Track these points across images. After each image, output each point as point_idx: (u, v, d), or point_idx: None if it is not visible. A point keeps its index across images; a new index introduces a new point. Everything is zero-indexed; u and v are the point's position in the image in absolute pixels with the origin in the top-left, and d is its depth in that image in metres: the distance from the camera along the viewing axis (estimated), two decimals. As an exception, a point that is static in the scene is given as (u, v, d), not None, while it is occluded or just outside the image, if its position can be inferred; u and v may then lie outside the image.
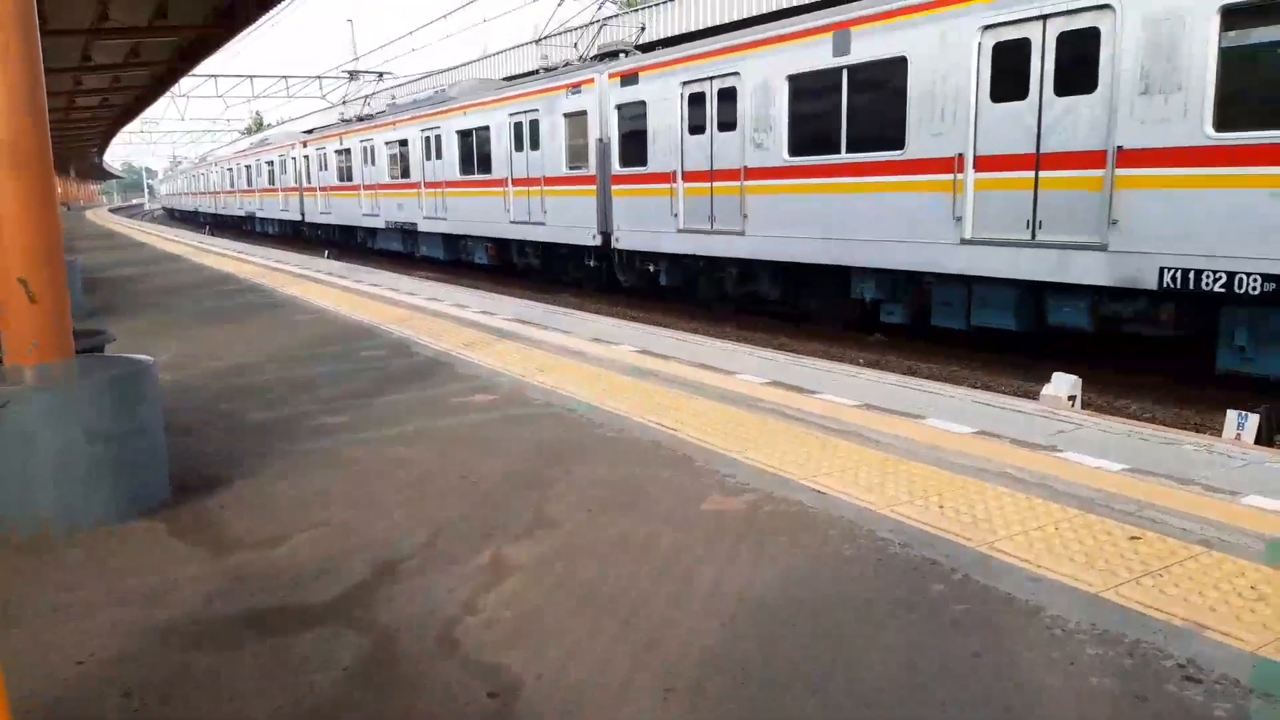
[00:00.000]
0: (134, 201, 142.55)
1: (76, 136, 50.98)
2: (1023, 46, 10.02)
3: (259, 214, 42.42)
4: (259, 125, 69.02)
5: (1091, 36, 9.42)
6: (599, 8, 21.13)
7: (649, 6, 26.50)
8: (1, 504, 4.29)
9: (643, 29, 22.66)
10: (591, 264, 17.89)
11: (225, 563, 4.01)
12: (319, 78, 46.46)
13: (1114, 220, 9.29)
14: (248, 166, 43.49)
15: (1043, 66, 9.83)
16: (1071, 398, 9.37)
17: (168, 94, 35.11)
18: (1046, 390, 9.44)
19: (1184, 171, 8.80)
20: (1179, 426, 9.49)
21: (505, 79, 25.39)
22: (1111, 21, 9.22)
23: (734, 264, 14.54)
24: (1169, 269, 8.99)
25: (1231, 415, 9.37)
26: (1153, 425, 6.35)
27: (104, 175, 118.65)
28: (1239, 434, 9.14)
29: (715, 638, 3.20)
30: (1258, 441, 8.88)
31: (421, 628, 3.34)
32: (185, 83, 36.08)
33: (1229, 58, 8.47)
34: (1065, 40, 9.66)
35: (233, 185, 46.65)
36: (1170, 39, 8.76)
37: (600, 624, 3.34)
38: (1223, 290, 8.70)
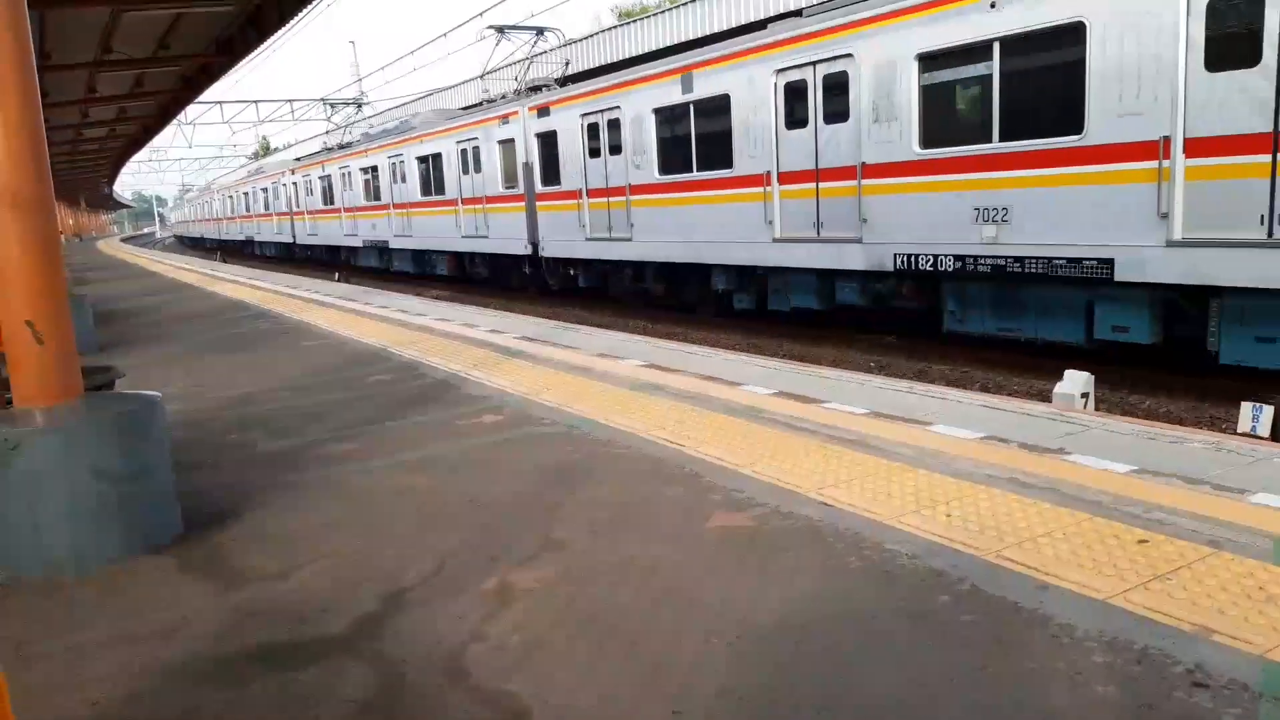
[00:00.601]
0: (145, 230, 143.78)
1: (85, 168, 51.44)
2: (802, 86, 12.50)
3: (256, 237, 45.44)
4: (266, 149, 69.27)
5: (844, 78, 11.84)
6: (531, 45, 24.54)
7: (574, 42, 29.54)
8: (13, 545, 4.33)
9: (567, 64, 25.21)
10: (526, 270, 20.87)
11: (235, 598, 4.04)
12: (324, 100, 46.80)
13: (864, 219, 11.72)
14: (245, 193, 46.78)
15: (816, 101, 12.27)
16: (1084, 395, 9.33)
17: (174, 122, 35.40)
18: (1059, 388, 9.40)
19: (902, 180, 11.25)
20: (1193, 421, 9.44)
21: (461, 109, 28.42)
22: (855, 67, 11.62)
23: (628, 265, 17.37)
24: (899, 254, 11.41)
25: (1246, 408, 9.31)
26: (1161, 424, 6.31)
27: (115, 205, 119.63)
28: (1254, 427, 9.08)
29: (722, 658, 3.20)
30: (1274, 434, 8.83)
31: (429, 657, 3.35)
32: (191, 110, 36.40)
33: (926, 93, 11.04)
34: (828, 81, 12.07)
35: (233, 211, 49.93)
36: (889, 79, 11.19)
37: (607, 648, 3.34)
38: (930, 269, 11.06)
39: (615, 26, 29.79)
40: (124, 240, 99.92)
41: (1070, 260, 9.80)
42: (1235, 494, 4.26)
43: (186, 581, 4.27)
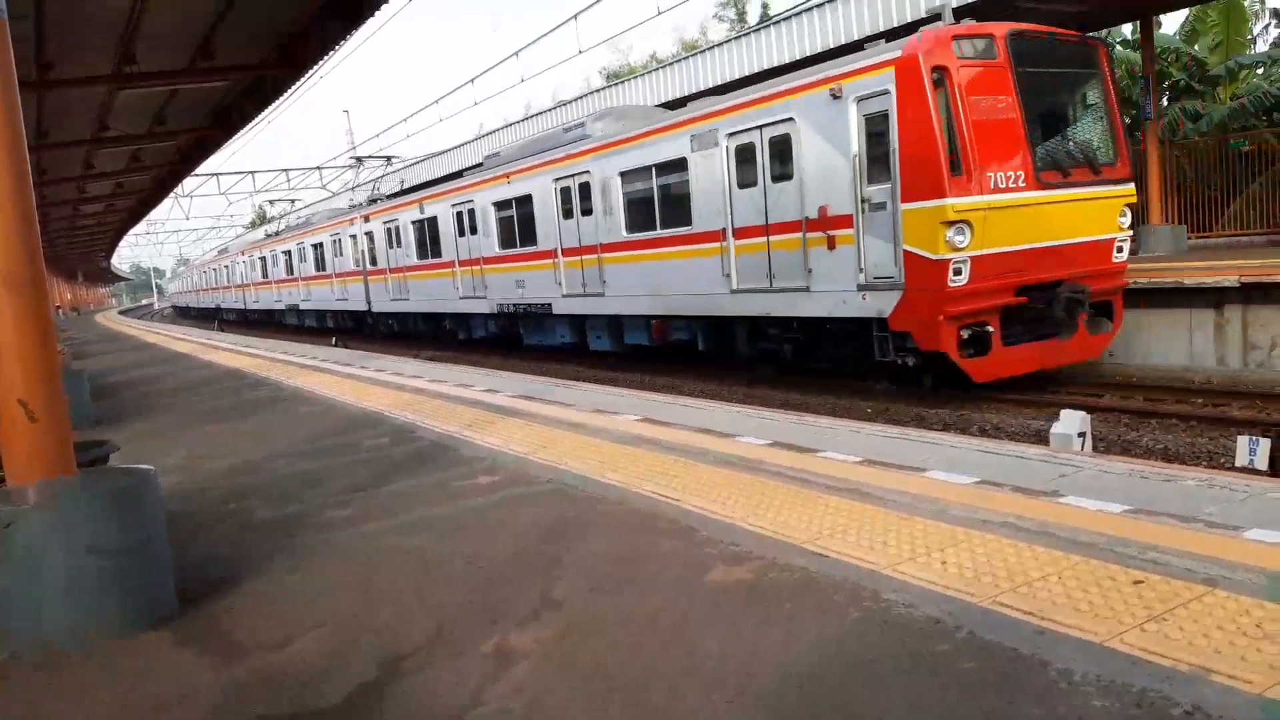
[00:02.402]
0: (144, 302, 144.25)
1: (83, 242, 51.89)
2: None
3: (222, 305, 56.49)
4: (262, 219, 70.21)
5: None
6: (374, 175, 39.16)
7: (406, 166, 40.61)
8: (10, 622, 4.32)
9: (402, 182, 37.53)
10: (369, 321, 31.17)
11: (234, 670, 4.02)
12: (319, 168, 47.33)
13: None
14: (211, 270, 59.18)
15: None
16: (1081, 434, 9.36)
17: (171, 195, 35.79)
18: (1055, 428, 9.44)
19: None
20: (1190, 456, 9.45)
21: (331, 210, 37.98)
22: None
23: (410, 316, 27.67)
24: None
25: (1243, 442, 9.33)
26: (1154, 462, 6.33)
27: (112, 278, 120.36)
28: (1251, 460, 9.09)
29: (725, 712, 3.19)
30: (1271, 467, 8.84)
31: (428, 724, 3.34)
32: (188, 183, 36.80)
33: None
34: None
35: (204, 284, 62.54)
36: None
37: (608, 707, 3.33)
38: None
39: (421, 159, 40.95)
40: (122, 313, 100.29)
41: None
42: (1229, 531, 4.27)
43: (185, 654, 4.25)
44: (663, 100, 23.12)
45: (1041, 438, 9.75)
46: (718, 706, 3.25)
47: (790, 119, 12.61)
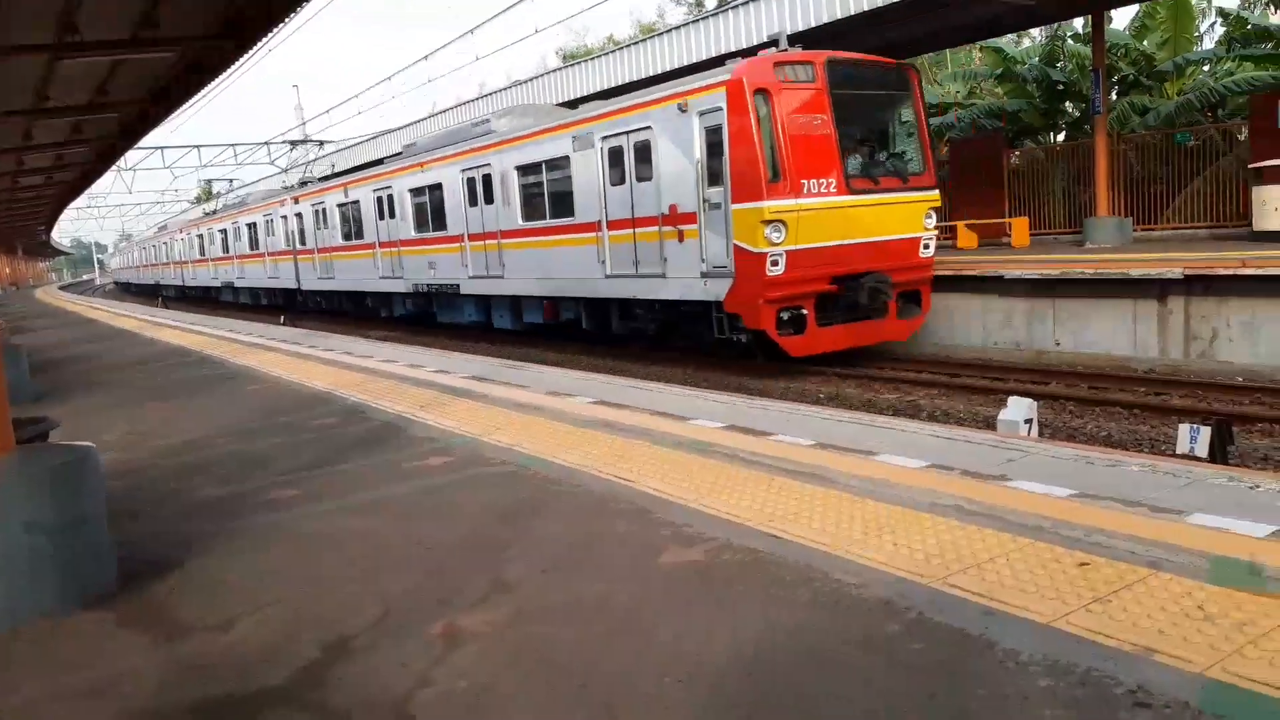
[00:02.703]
0: (85, 277, 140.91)
1: (22, 215, 50.37)
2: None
3: (161, 280, 57.34)
4: (208, 194, 68.99)
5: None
6: (307, 158, 40.98)
7: (337, 151, 41.76)
8: (-59, 603, 4.18)
9: (333, 166, 39.11)
10: (299, 299, 31.88)
11: (174, 651, 3.93)
12: (266, 144, 46.43)
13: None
14: (172, 242, 56.15)
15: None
16: (1028, 421, 9.49)
17: (113, 168, 34.90)
18: (1003, 415, 9.56)
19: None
20: (1133, 442, 9.64)
21: (266, 191, 39.32)
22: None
23: (336, 295, 28.84)
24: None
25: (1184, 429, 9.52)
26: (1099, 448, 6.44)
27: (53, 252, 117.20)
28: (1192, 448, 9.29)
29: (675, 698, 3.18)
30: (1210, 455, 9.04)
31: (374, 706, 3.29)
32: (131, 155, 35.92)
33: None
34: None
35: (160, 259, 59.98)
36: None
37: (559, 690, 3.31)
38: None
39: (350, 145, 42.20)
40: (63, 288, 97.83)
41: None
42: (1173, 515, 4.34)
43: (123, 635, 4.15)
44: (594, 90, 23.45)
45: (991, 424, 9.88)
46: (669, 689, 3.24)
47: (649, 127, 14.30)
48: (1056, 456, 5.60)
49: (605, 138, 15.29)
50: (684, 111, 13.55)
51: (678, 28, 22.13)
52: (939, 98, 29.46)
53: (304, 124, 49.21)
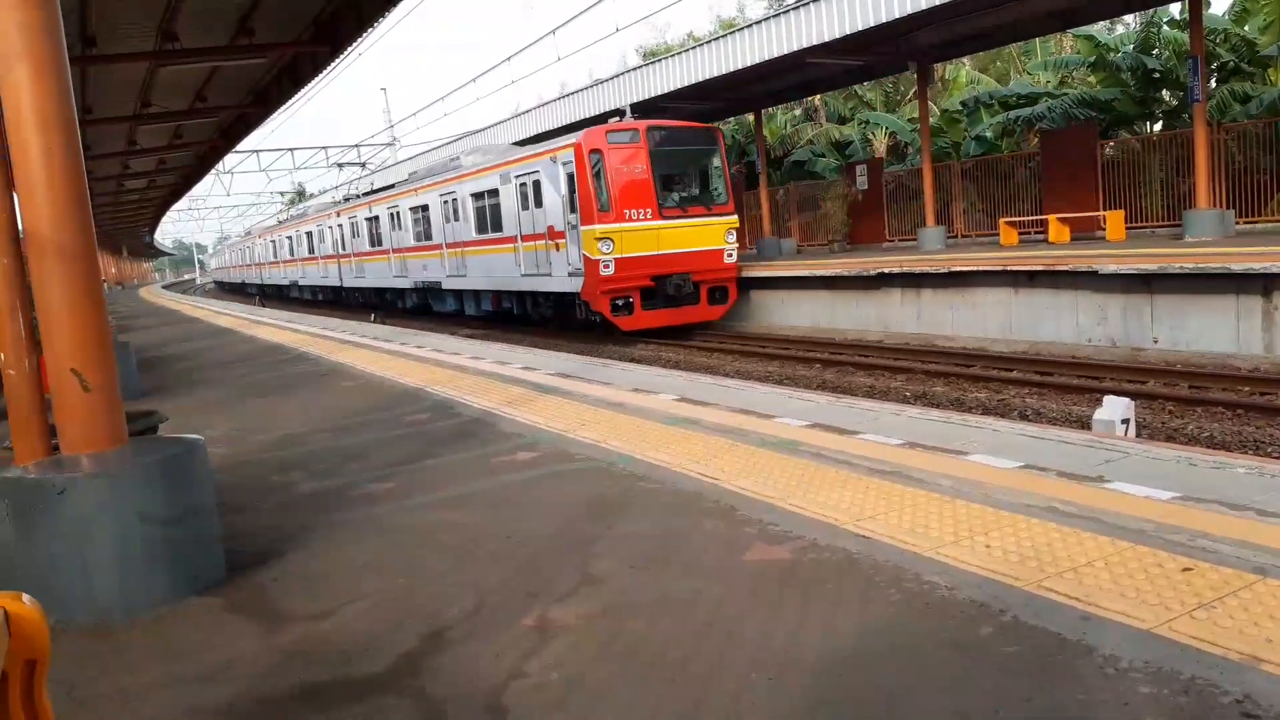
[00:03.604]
0: (186, 276, 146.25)
1: (127, 217, 52.61)
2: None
3: (264, 280, 60.32)
4: (302, 195, 71.47)
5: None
6: (350, 184, 48.04)
7: (374, 172, 47.25)
8: (63, 589, 4.41)
9: (372, 184, 43.69)
10: (343, 294, 39.40)
11: (280, 638, 4.09)
12: (356, 146, 47.62)
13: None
14: (252, 246, 63.52)
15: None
16: (1125, 421, 9.22)
17: (212, 171, 36.18)
18: (1098, 415, 9.30)
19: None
20: (1237, 445, 9.29)
21: (331, 202, 46.64)
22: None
23: (365, 290, 35.57)
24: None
25: (1290, 430, 9.15)
26: (1203, 449, 6.23)
27: (156, 253, 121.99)
28: (1299, 449, 8.91)
29: (763, 694, 3.20)
30: (1319, 456, 8.67)
31: (470, 696, 3.38)
32: (229, 159, 37.22)
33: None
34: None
35: (245, 260, 67.11)
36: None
37: (648, 684, 3.35)
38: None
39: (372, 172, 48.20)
40: (165, 287, 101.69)
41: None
42: (1281, 519, 4.19)
43: (232, 623, 4.33)
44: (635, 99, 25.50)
45: (1084, 424, 9.63)
46: (757, 685, 3.25)
47: (539, 171, 20.52)
48: (1157, 458, 5.44)
49: (517, 176, 21.48)
50: (555, 162, 19.87)
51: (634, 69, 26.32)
52: (1028, 87, 28.74)
53: (391, 126, 50.29)
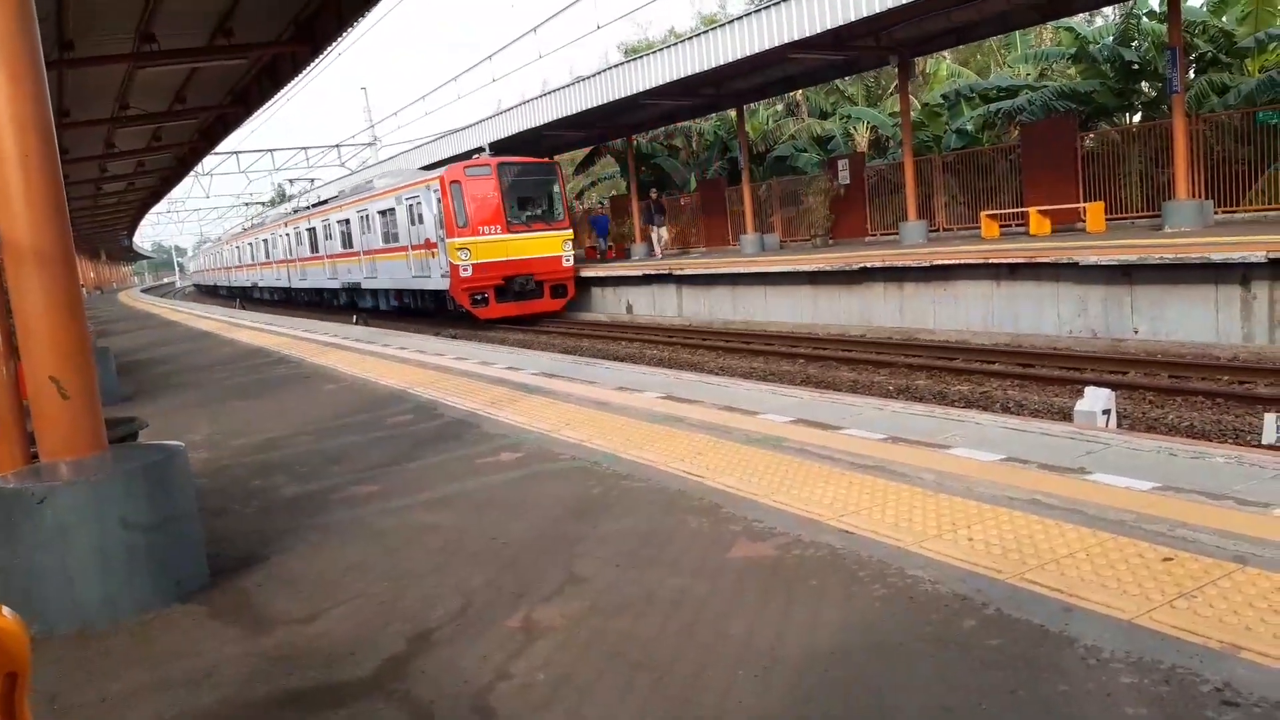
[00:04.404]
0: (165, 280, 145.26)
1: (105, 221, 52.18)
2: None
3: (232, 282, 64.53)
4: (282, 197, 71.57)
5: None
6: (302, 196, 52.70)
7: (319, 187, 52.75)
8: (45, 597, 4.37)
9: (320, 197, 47.04)
10: (292, 295, 45.62)
11: (263, 643, 4.07)
12: (337, 146, 47.40)
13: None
14: (221, 251, 69.04)
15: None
16: (1106, 411, 9.29)
17: (191, 173, 35.92)
18: (1080, 406, 9.37)
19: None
20: (1217, 434, 9.38)
21: (291, 210, 50.74)
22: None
23: (307, 291, 42.50)
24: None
25: (1270, 419, 9.24)
26: (1183, 439, 6.28)
27: (135, 256, 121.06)
28: (1278, 438, 9.01)
29: (748, 691, 3.20)
30: (1297, 444, 8.75)
31: (456, 698, 3.37)
32: (208, 161, 37.01)
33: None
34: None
35: (217, 264, 72.33)
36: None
37: (634, 682, 3.35)
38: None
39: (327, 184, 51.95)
40: (144, 291, 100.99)
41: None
42: (1259, 508, 4.23)
43: (215, 628, 4.31)
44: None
45: (1066, 415, 9.69)
46: (744, 682, 3.26)
47: (419, 195, 26.65)
48: (1137, 448, 5.48)
49: (407, 198, 27.55)
50: (429, 189, 25.89)
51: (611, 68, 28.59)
52: (1009, 80, 28.87)
53: (372, 126, 50.15)
